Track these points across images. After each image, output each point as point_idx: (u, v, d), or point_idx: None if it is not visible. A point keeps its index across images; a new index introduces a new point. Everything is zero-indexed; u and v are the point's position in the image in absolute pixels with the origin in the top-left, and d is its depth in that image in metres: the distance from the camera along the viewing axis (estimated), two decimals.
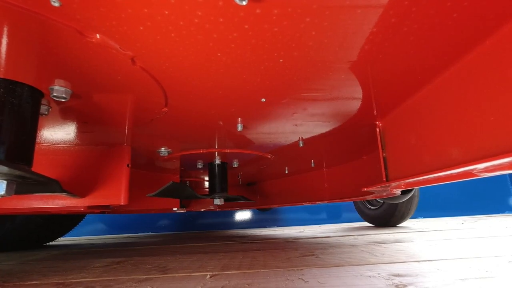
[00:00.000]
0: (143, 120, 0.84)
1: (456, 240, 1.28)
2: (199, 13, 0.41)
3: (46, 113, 0.68)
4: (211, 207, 2.24)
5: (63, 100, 0.61)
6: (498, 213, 3.08)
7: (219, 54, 0.51)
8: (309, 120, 0.89)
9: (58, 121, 0.82)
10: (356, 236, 1.61)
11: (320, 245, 1.32)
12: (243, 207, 2.40)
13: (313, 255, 1.05)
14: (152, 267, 0.97)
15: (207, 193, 1.45)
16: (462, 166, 0.55)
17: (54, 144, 0.99)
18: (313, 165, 1.63)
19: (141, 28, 0.44)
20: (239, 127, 0.90)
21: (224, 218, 3.10)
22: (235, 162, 1.44)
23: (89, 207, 1.01)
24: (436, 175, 0.65)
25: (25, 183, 0.66)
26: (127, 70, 0.56)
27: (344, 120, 0.90)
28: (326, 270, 0.80)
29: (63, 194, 0.84)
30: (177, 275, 0.84)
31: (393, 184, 0.86)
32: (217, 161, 1.38)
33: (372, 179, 1.26)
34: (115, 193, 1.02)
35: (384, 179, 0.91)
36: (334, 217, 3.09)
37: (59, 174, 0.99)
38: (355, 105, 0.79)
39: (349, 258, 0.95)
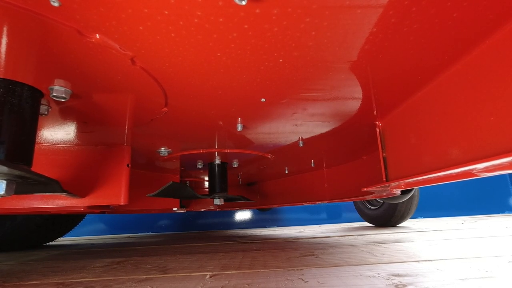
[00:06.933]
0: (143, 120, 0.84)
1: (456, 240, 1.28)
2: (199, 13, 0.41)
3: (46, 113, 0.68)
4: (211, 207, 2.24)
5: (62, 100, 0.61)
6: (498, 213, 3.08)
7: (219, 54, 0.51)
8: (309, 120, 0.89)
9: (58, 121, 0.82)
10: (356, 236, 1.61)
11: (320, 245, 1.32)
12: (243, 207, 2.40)
13: (313, 255, 1.05)
14: (152, 267, 0.97)
15: (207, 193, 1.45)
16: (462, 166, 0.55)
17: (54, 144, 0.99)
18: (313, 165, 1.63)
19: (141, 28, 0.44)
20: (239, 127, 0.90)
21: (224, 218, 3.10)
22: (235, 162, 1.44)
23: (89, 207, 1.01)
24: (436, 175, 0.65)
25: (25, 183, 0.65)
26: (127, 70, 0.56)
27: (344, 120, 0.90)
28: (326, 270, 0.80)
29: (63, 194, 0.84)
30: (177, 275, 0.84)
31: (393, 184, 0.86)
32: (217, 161, 1.38)
33: (372, 179, 1.26)
34: (115, 193, 1.02)
35: (384, 179, 0.91)
36: (334, 217, 3.09)
37: (59, 174, 0.99)
38: (355, 105, 0.79)
39: (349, 258, 0.95)
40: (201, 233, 2.57)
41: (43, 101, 0.64)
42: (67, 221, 1.97)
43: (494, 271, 0.71)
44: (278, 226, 3.02)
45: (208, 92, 0.67)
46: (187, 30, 0.45)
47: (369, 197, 1.34)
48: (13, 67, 0.53)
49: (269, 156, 1.34)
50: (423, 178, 0.71)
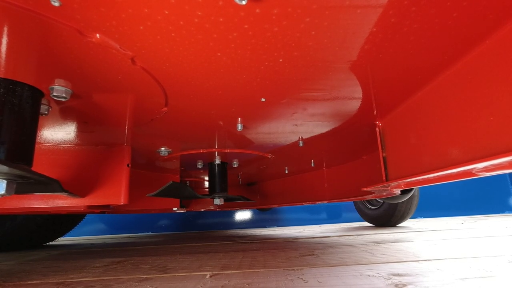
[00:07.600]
0: (143, 120, 0.84)
1: (456, 240, 1.28)
2: (199, 13, 0.41)
3: (46, 113, 0.68)
4: (211, 207, 2.24)
5: (63, 100, 0.62)
6: (498, 213, 3.08)
7: (219, 54, 0.51)
8: (309, 120, 0.89)
9: (58, 121, 0.82)
10: (356, 236, 1.61)
11: (320, 245, 1.32)
12: (243, 207, 2.40)
13: (313, 254, 1.05)
14: (152, 267, 0.97)
15: (207, 193, 1.45)
16: (461, 165, 0.55)
17: (54, 144, 0.99)
18: (313, 165, 1.63)
19: (141, 28, 0.44)
20: (239, 127, 0.90)
21: (224, 218, 3.10)
22: (235, 162, 1.44)
23: (89, 207, 1.01)
24: (435, 174, 0.65)
25: (25, 183, 0.66)
26: (127, 70, 0.56)
27: (344, 120, 0.90)
28: (326, 269, 0.80)
29: (63, 194, 0.84)
30: (177, 274, 0.84)
31: (393, 183, 0.86)
32: (217, 161, 1.38)
33: (372, 179, 1.26)
34: (115, 193, 1.02)
35: (384, 178, 0.91)
36: (334, 217, 3.09)
37: (59, 174, 0.99)
38: (355, 105, 0.79)
39: (349, 258, 0.95)
40: (201, 233, 2.57)
41: (43, 101, 0.64)
42: (67, 221, 1.97)
43: (493, 270, 0.71)
44: (278, 226, 3.02)
45: (208, 92, 0.67)
46: (187, 30, 0.45)
47: (369, 197, 1.34)
48: (13, 67, 0.53)
49: (269, 156, 1.34)
50: (423, 178, 0.71)
